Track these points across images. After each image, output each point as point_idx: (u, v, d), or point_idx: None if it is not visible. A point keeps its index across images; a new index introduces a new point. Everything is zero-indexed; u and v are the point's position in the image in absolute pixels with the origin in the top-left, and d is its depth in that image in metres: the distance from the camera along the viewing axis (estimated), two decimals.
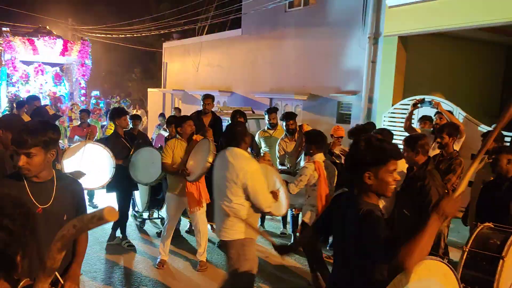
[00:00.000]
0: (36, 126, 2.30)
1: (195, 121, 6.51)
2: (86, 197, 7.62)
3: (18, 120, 3.94)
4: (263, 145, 6.78)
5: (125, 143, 5.85)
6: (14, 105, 11.44)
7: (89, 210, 6.34)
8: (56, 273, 2.17)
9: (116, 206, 6.01)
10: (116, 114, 5.90)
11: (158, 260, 5.37)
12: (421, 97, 7.64)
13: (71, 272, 2.41)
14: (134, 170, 5.76)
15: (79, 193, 2.54)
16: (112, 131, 6.30)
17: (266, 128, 6.92)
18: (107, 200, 7.76)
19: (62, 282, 2.31)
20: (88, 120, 8.30)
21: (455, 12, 7.95)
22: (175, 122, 5.66)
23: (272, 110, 6.87)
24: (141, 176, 5.78)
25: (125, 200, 5.96)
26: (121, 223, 5.94)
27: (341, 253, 2.36)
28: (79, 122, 8.48)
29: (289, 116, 6.24)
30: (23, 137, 2.21)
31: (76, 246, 2.51)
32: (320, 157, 4.70)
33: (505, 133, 6.30)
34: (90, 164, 5.23)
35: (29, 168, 2.25)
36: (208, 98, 6.65)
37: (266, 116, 6.81)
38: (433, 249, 4.67)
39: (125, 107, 13.60)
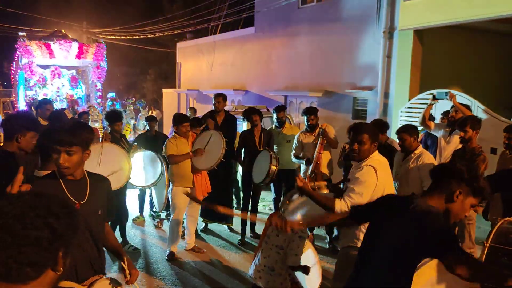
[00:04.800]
0: (76, 126, 2.50)
1: (208, 119, 6.53)
2: None
3: (36, 120, 3.96)
4: None
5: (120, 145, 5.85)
6: (33, 108, 11.66)
7: None
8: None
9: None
10: (111, 119, 5.96)
11: (168, 252, 5.65)
12: (440, 91, 7.48)
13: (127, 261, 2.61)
14: None
15: (109, 188, 2.71)
16: (128, 131, 6.34)
17: (274, 126, 6.90)
18: None
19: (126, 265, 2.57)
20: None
21: (471, 3, 7.80)
22: (174, 120, 5.75)
23: (279, 108, 6.84)
24: (135, 179, 5.79)
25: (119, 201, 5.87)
26: (120, 227, 5.91)
27: (380, 257, 2.24)
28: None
29: (309, 112, 6.22)
30: (65, 136, 2.34)
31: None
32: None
33: None
34: (108, 166, 5.27)
35: (68, 166, 2.36)
36: (218, 97, 6.59)
37: (274, 114, 6.80)
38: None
39: (140, 108, 13.71)
